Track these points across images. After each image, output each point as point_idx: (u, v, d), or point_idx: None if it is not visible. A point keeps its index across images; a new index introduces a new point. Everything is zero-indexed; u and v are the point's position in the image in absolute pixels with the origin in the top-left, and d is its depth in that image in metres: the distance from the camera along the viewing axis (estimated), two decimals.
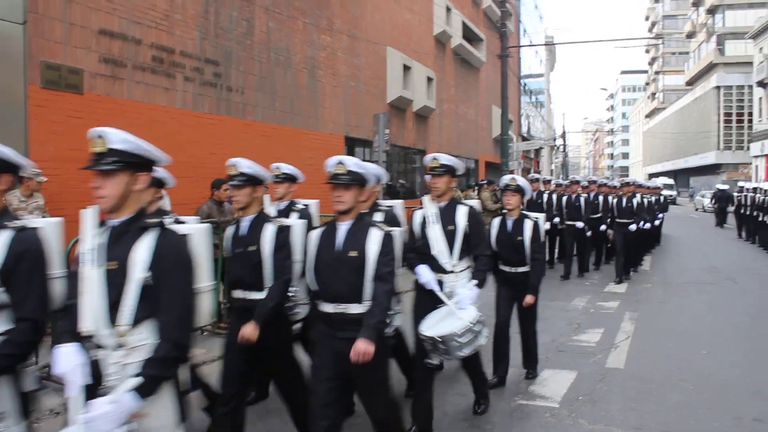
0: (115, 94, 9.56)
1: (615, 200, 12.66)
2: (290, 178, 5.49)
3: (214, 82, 11.59)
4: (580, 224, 12.35)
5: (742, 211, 20.18)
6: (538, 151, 48.37)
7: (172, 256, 2.63)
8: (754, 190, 18.88)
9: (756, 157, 46.34)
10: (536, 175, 14.68)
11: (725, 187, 27.34)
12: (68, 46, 8.84)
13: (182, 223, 4.14)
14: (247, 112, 12.47)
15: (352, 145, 16.90)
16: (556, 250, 13.78)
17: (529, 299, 5.76)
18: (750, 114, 50.85)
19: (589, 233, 12.60)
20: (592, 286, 11.61)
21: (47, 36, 8.54)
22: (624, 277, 12.16)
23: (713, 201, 27.01)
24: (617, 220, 12.37)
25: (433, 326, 4.39)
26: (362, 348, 3.42)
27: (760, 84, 44.00)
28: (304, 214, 5.34)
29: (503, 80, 22.44)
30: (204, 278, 3.67)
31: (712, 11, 60.73)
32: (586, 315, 9.23)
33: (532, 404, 5.46)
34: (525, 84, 41.29)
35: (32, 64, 8.35)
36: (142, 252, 2.58)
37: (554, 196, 12.89)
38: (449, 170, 4.77)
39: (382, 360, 3.74)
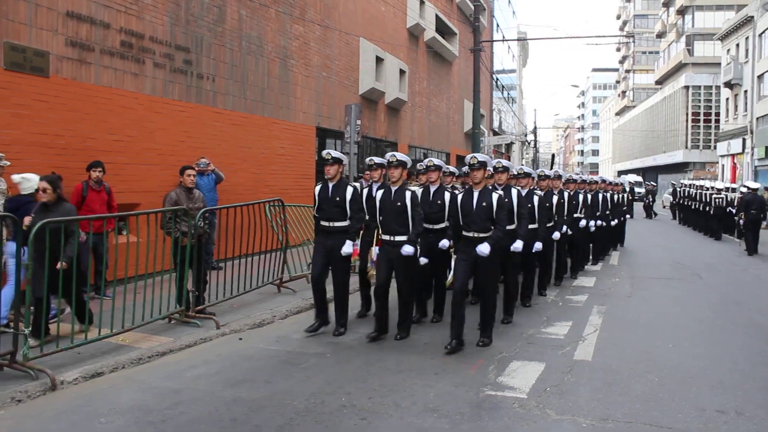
0: (82, 79, 9.34)
1: (461, 196, 7.21)
2: None
3: (185, 69, 11.39)
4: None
5: (682, 202, 26.48)
6: (509, 146, 48.64)
7: None
8: (689, 185, 25.57)
9: (722, 156, 47.16)
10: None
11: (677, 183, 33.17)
12: (34, 28, 8.60)
13: None
14: (218, 101, 12.29)
15: (323, 136, 16.77)
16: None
17: None
18: (717, 114, 51.77)
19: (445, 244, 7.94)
20: (562, 280, 11.69)
21: (12, 17, 8.30)
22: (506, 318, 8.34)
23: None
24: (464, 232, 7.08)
25: None
26: None
27: (727, 85, 44.76)
28: None
29: (476, 74, 22.49)
30: None
31: (682, 12, 61.65)
32: (555, 308, 9.30)
33: (500, 395, 5.47)
34: (497, 79, 41.45)
35: None
36: None
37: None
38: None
39: None
